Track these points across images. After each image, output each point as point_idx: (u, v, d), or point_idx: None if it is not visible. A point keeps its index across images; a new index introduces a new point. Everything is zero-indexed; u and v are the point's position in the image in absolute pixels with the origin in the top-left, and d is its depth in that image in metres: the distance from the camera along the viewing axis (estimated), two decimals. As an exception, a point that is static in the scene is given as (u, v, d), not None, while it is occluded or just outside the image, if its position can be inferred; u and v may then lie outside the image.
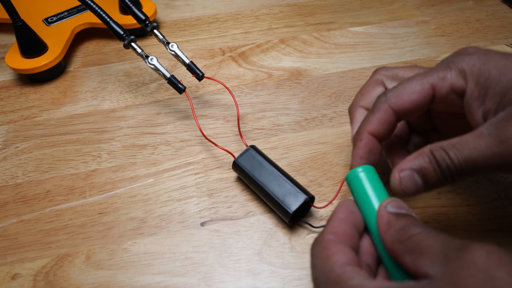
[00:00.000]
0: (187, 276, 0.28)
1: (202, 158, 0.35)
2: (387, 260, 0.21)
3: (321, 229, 0.30)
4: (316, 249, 0.21)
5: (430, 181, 0.21)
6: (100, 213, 0.32)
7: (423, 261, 0.18)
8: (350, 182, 0.24)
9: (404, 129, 0.29)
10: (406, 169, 0.22)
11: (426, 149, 0.22)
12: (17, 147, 0.37)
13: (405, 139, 0.29)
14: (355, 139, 0.25)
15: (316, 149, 0.35)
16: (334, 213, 0.23)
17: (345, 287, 0.19)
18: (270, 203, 0.30)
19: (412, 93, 0.23)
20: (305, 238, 0.30)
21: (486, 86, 0.21)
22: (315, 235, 0.30)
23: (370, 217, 0.22)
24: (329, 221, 0.23)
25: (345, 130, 0.37)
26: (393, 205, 0.21)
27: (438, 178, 0.21)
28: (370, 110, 0.25)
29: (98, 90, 0.42)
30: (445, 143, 0.21)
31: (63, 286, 0.28)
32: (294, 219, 0.30)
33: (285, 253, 0.29)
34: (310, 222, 0.30)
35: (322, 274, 0.20)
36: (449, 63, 0.23)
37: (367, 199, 0.23)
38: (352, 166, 0.25)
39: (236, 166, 0.31)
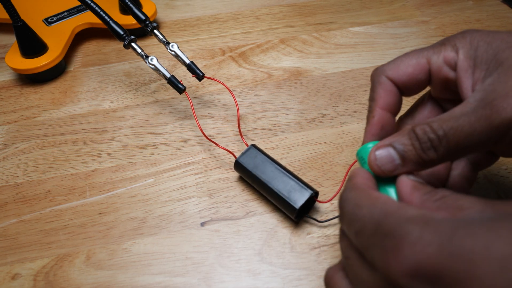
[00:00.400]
0: (187, 276, 0.28)
1: (202, 158, 0.35)
2: None
3: (326, 223, 0.30)
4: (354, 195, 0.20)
5: (408, 158, 0.20)
6: (100, 213, 0.32)
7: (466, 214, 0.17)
8: (360, 158, 0.23)
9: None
10: (383, 145, 0.21)
11: (408, 126, 0.21)
12: (17, 147, 0.37)
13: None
14: (368, 116, 0.24)
15: (316, 149, 0.35)
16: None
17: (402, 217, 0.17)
18: (275, 201, 0.30)
19: (408, 66, 0.23)
20: (305, 238, 0.30)
21: (475, 56, 0.21)
22: (315, 235, 0.30)
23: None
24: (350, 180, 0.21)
25: (345, 130, 0.37)
26: (415, 175, 0.21)
27: (418, 154, 0.20)
28: (371, 88, 0.24)
29: (98, 90, 0.42)
30: (429, 119, 0.20)
31: (63, 286, 0.28)
32: (299, 215, 0.30)
33: (285, 253, 0.29)
34: (319, 215, 0.30)
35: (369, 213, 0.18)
36: (444, 41, 0.23)
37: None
38: (363, 143, 0.24)
39: (238, 165, 0.31)
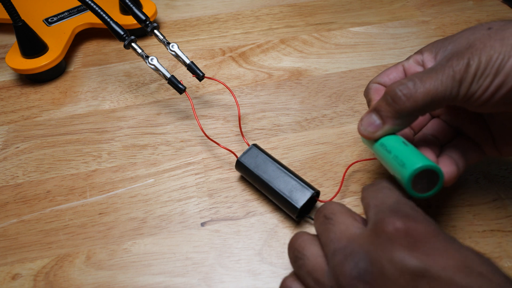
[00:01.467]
0: (187, 276, 0.28)
1: (203, 158, 0.35)
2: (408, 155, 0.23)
3: None
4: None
5: (385, 115, 0.24)
6: (100, 213, 0.32)
7: None
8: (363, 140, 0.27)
9: (444, 131, 0.29)
10: (366, 113, 0.26)
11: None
12: (18, 147, 0.37)
13: (440, 139, 0.29)
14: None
15: (317, 149, 0.35)
16: None
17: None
18: (276, 200, 0.30)
19: (390, 72, 0.29)
20: (306, 238, 0.30)
21: (436, 52, 0.26)
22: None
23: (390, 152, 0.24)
24: None
25: (345, 130, 0.37)
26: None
27: (391, 106, 0.24)
28: (365, 95, 0.29)
29: (99, 90, 0.42)
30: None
31: (63, 286, 0.28)
32: (301, 215, 0.30)
33: (286, 253, 0.29)
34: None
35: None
36: (416, 52, 0.28)
37: (383, 140, 0.25)
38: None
39: (239, 165, 0.31)
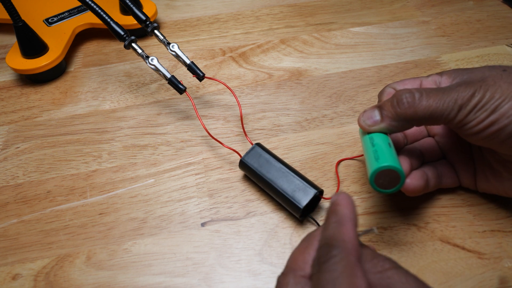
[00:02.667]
0: (187, 276, 0.28)
1: (203, 159, 0.35)
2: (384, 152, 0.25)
3: None
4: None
5: (386, 114, 0.26)
6: (100, 214, 0.32)
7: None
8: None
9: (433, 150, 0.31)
10: (372, 107, 0.27)
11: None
12: (18, 147, 0.37)
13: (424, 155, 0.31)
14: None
15: (317, 150, 0.35)
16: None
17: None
18: (280, 199, 0.30)
19: (407, 83, 0.30)
20: (306, 239, 0.30)
21: (453, 77, 0.27)
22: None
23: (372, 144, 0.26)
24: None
25: (346, 131, 0.37)
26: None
27: (394, 109, 0.25)
28: (378, 97, 0.30)
29: (99, 91, 0.42)
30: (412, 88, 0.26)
31: (63, 286, 0.28)
32: (304, 214, 0.30)
33: (286, 254, 0.29)
34: (319, 215, 0.30)
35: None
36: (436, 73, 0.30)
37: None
38: None
39: (243, 164, 0.31)
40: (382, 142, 0.26)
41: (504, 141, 0.24)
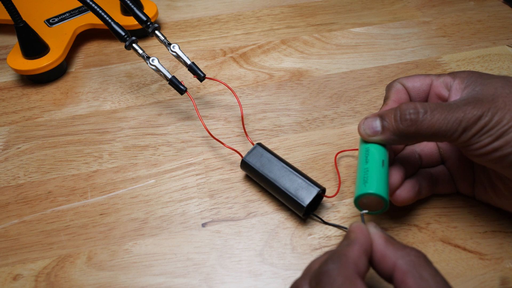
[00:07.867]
0: (188, 277, 0.28)
1: (204, 159, 0.35)
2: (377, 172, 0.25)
3: (331, 226, 0.30)
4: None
5: (387, 127, 0.25)
6: (101, 214, 0.32)
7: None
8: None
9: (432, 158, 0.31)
10: (374, 115, 0.26)
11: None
12: (19, 148, 0.37)
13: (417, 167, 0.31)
14: (382, 106, 0.29)
15: (317, 150, 0.35)
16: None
17: None
18: (283, 198, 0.30)
19: (417, 80, 0.29)
20: (307, 239, 0.30)
21: (466, 83, 0.26)
22: (317, 235, 0.30)
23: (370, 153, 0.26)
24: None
25: (346, 131, 0.37)
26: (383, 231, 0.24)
27: (396, 124, 0.25)
28: (386, 91, 0.29)
29: (100, 91, 0.42)
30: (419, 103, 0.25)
31: (64, 287, 0.28)
32: (307, 213, 0.30)
33: (287, 254, 0.29)
34: (321, 215, 0.31)
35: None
36: (448, 73, 0.28)
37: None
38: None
39: (244, 164, 0.31)
40: (376, 159, 0.26)
41: (505, 167, 0.24)
